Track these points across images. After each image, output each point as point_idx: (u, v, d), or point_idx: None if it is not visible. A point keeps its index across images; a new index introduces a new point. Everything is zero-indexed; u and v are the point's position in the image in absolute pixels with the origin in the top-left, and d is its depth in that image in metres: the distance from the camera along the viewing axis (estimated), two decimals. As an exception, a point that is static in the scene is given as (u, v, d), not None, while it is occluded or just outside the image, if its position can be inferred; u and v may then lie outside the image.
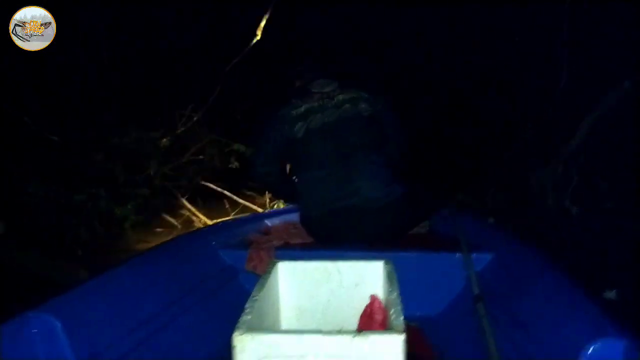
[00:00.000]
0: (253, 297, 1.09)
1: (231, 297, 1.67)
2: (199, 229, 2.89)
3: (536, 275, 1.43)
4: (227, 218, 3.81)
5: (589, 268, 2.20)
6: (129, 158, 4.00)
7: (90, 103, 3.98)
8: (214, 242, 1.89)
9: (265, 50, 4.30)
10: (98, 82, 4.00)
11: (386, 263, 1.30)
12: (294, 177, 2.20)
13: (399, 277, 1.22)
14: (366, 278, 1.32)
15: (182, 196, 4.29)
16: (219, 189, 4.42)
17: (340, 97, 2.05)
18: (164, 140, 4.29)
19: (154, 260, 1.56)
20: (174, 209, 4.27)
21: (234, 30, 4.34)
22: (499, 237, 1.83)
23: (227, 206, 4.28)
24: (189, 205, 4.25)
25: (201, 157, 4.51)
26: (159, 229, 3.99)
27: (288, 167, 2.35)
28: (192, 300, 1.54)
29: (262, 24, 4.09)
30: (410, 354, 1.16)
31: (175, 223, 4.11)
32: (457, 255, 1.74)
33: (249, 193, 4.60)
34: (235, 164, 4.47)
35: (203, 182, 4.44)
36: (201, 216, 4.15)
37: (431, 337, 1.61)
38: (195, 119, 4.39)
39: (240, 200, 4.35)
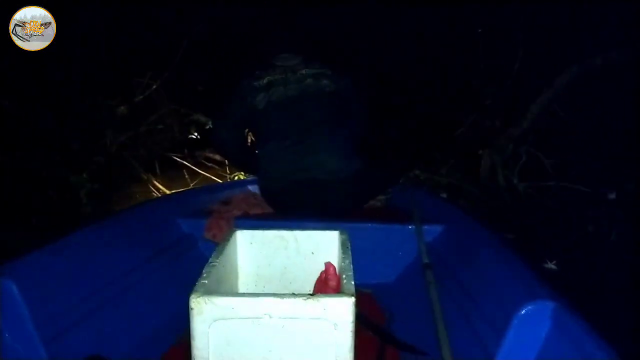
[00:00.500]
0: (211, 262, 1.11)
1: (190, 264, 1.66)
2: (159, 198, 2.86)
3: (481, 245, 1.51)
4: (186, 189, 3.77)
5: (533, 240, 2.34)
6: (84, 125, 3.87)
7: (44, 68, 3.80)
8: (173, 211, 1.89)
9: (229, 21, 4.22)
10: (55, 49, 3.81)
11: (341, 233, 1.35)
12: (255, 150, 2.22)
13: (354, 247, 1.26)
14: (322, 246, 1.36)
15: (140, 165, 4.20)
16: (178, 159, 4.36)
17: (304, 71, 2.06)
18: (122, 108, 4.17)
19: (113, 227, 1.56)
20: (132, 178, 4.18)
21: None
22: (450, 211, 1.92)
23: (187, 177, 4.23)
24: (147, 175, 4.17)
25: (160, 126, 4.42)
26: (115, 198, 3.91)
27: (250, 138, 2.35)
28: (150, 266, 1.55)
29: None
30: (362, 317, 1.23)
31: (133, 192, 4.03)
32: (410, 226, 1.83)
33: (209, 164, 4.55)
34: (195, 134, 4.41)
35: (162, 152, 4.36)
36: (160, 186, 4.09)
37: (383, 302, 1.69)
38: (154, 87, 4.28)
39: (200, 171, 4.30)
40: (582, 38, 2.90)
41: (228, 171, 4.34)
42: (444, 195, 3.06)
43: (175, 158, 4.36)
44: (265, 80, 2.04)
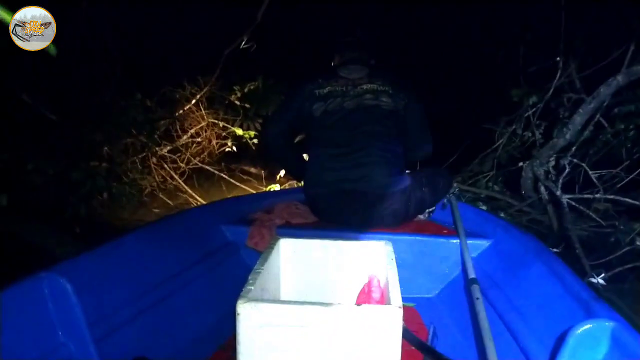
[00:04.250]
0: (256, 270, 1.11)
1: (232, 271, 1.71)
2: (203, 205, 2.89)
3: (529, 261, 1.46)
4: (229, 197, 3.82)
5: (578, 254, 2.25)
6: (126, 138, 4.00)
7: (90, 81, 3.96)
8: (217, 218, 1.91)
9: (267, 33, 4.29)
10: (98, 61, 3.98)
11: (386, 244, 1.33)
12: (303, 154, 2.24)
13: (398, 259, 1.24)
14: (366, 258, 1.34)
15: (179, 177, 4.30)
16: (216, 171, 4.43)
17: (365, 86, 2.06)
18: (162, 122, 4.29)
19: (160, 232, 1.59)
20: (171, 190, 4.28)
21: (237, 13, 4.32)
22: (495, 225, 1.86)
23: (224, 189, 4.30)
24: (185, 187, 4.26)
25: (199, 139, 4.51)
26: (156, 210, 4.00)
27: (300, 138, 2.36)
28: (195, 271, 1.57)
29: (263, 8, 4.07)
30: (405, 330, 1.20)
31: (171, 203, 4.12)
32: (455, 240, 1.79)
33: (245, 177, 4.61)
34: (232, 147, 4.49)
35: (200, 164, 4.45)
36: (198, 197, 4.17)
37: (426, 317, 1.65)
38: (193, 102, 4.38)
39: (236, 183, 4.37)
40: (628, 45, 2.78)
41: (264, 183, 4.39)
42: (484, 208, 2.99)
43: (212, 170, 4.44)
44: (325, 90, 2.06)
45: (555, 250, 2.45)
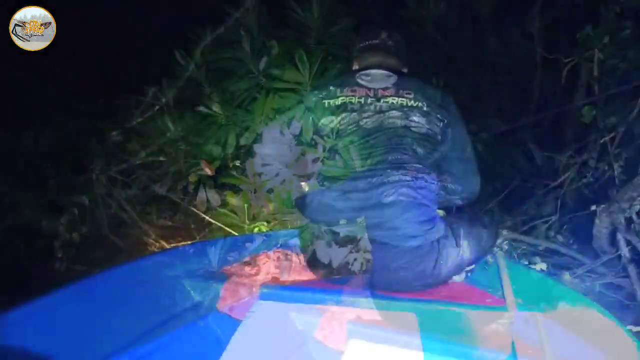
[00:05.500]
0: (229, 349, 1.11)
1: (198, 345, 1.67)
2: (162, 251, 2.89)
3: (601, 343, 1.46)
4: (191, 242, 3.81)
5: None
6: (65, 154, 4.01)
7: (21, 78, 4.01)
8: (178, 271, 1.90)
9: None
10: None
11: (409, 317, 1.33)
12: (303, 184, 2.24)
13: (424, 337, 1.24)
14: (380, 334, 1.35)
15: (133, 209, 4.30)
16: (182, 202, 4.43)
17: (390, 100, 2.07)
18: (114, 133, 4.31)
19: (97, 290, 1.58)
20: (121, 225, 4.28)
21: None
22: (555, 293, 1.85)
23: (192, 226, 4.29)
24: (140, 222, 4.26)
25: (162, 157, 4.53)
26: (99, 252, 4.00)
27: None
28: (147, 344, 1.54)
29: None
30: None
31: (121, 244, 4.12)
32: (502, 312, 1.76)
33: (222, 210, 4.61)
34: (207, 169, 4.49)
35: (162, 192, 4.46)
36: (156, 237, 4.16)
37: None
38: (157, 108, 4.42)
39: (211, 220, 4.36)
40: None
41: (247, 221, 4.38)
42: (543, 267, 2.98)
43: (178, 200, 4.44)
44: (338, 100, 2.08)
45: (638, 329, 2.43)
